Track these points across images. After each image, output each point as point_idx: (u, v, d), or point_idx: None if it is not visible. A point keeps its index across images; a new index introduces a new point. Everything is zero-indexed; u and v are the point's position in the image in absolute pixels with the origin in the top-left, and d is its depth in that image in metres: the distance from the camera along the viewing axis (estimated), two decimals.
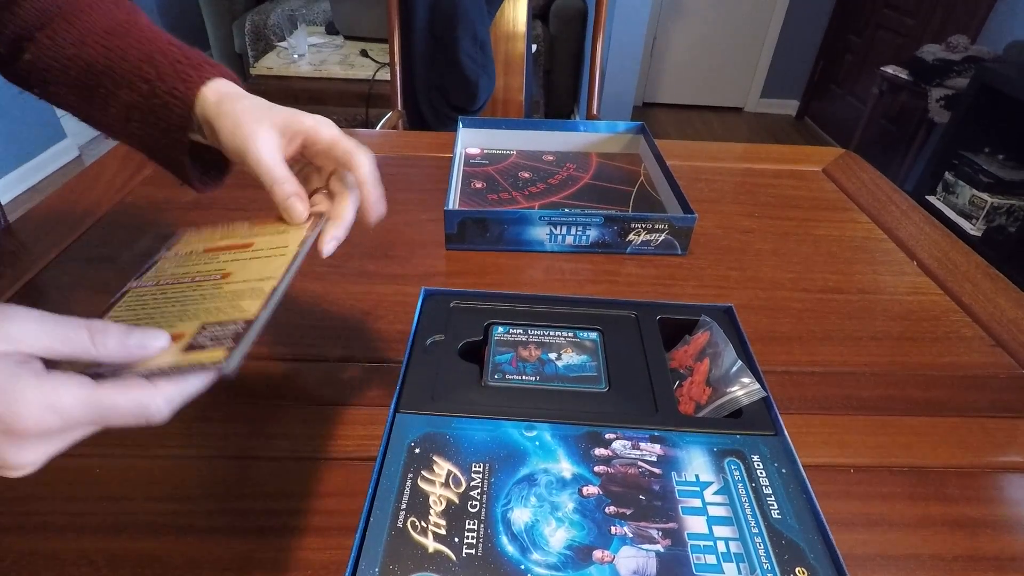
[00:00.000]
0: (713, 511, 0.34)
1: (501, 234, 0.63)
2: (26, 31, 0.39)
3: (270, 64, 2.16)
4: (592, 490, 0.35)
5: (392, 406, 0.40)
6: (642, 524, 0.33)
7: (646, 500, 0.34)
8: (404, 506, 0.33)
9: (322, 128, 0.38)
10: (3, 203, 0.67)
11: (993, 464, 0.43)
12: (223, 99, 0.37)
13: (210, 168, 0.44)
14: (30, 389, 0.22)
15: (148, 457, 0.40)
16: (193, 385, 0.27)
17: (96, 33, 0.39)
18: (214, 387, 0.46)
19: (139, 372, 0.26)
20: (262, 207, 0.36)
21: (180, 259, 0.36)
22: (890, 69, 2.28)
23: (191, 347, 0.27)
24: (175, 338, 0.28)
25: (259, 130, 0.36)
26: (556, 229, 0.63)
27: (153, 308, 0.31)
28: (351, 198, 0.38)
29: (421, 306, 0.48)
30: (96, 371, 0.26)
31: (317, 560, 0.35)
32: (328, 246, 0.36)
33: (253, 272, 0.33)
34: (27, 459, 0.24)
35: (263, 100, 0.39)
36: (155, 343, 0.27)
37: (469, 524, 0.33)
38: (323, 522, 0.37)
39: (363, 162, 0.37)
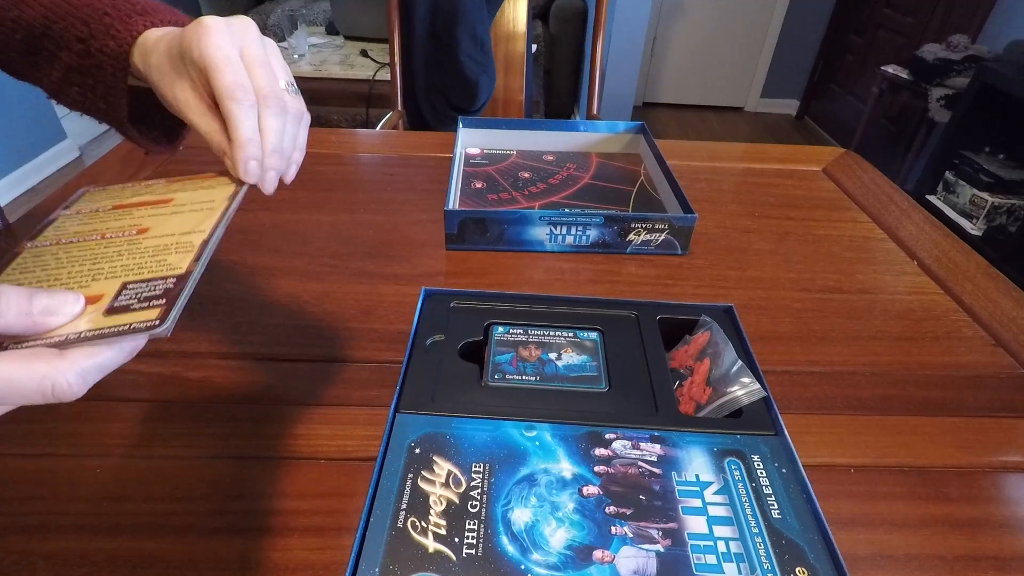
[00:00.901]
0: (713, 511, 0.34)
1: (501, 234, 0.63)
2: None
3: None
4: (592, 490, 0.35)
5: (392, 406, 0.40)
6: (642, 524, 0.33)
7: (646, 500, 0.34)
8: (404, 506, 0.33)
9: (211, 72, 0.31)
10: (3, 204, 0.67)
11: (993, 464, 0.43)
12: (147, 64, 0.33)
13: (171, 127, 0.40)
14: None
15: (148, 457, 0.40)
16: (113, 356, 0.22)
17: None
18: (213, 388, 0.46)
19: (50, 342, 0.22)
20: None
21: (84, 216, 0.32)
22: (890, 69, 2.28)
23: (113, 309, 0.23)
24: (91, 300, 0.24)
25: (177, 90, 0.32)
26: (556, 229, 0.63)
27: (56, 268, 0.27)
28: (272, 118, 0.32)
29: (421, 306, 0.48)
30: None
31: (317, 560, 0.34)
32: (251, 175, 0.30)
33: (175, 227, 0.29)
34: None
35: (167, 39, 0.33)
36: (67, 308, 0.22)
37: (469, 524, 0.33)
38: (323, 522, 0.37)
39: (240, 118, 0.30)
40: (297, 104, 0.34)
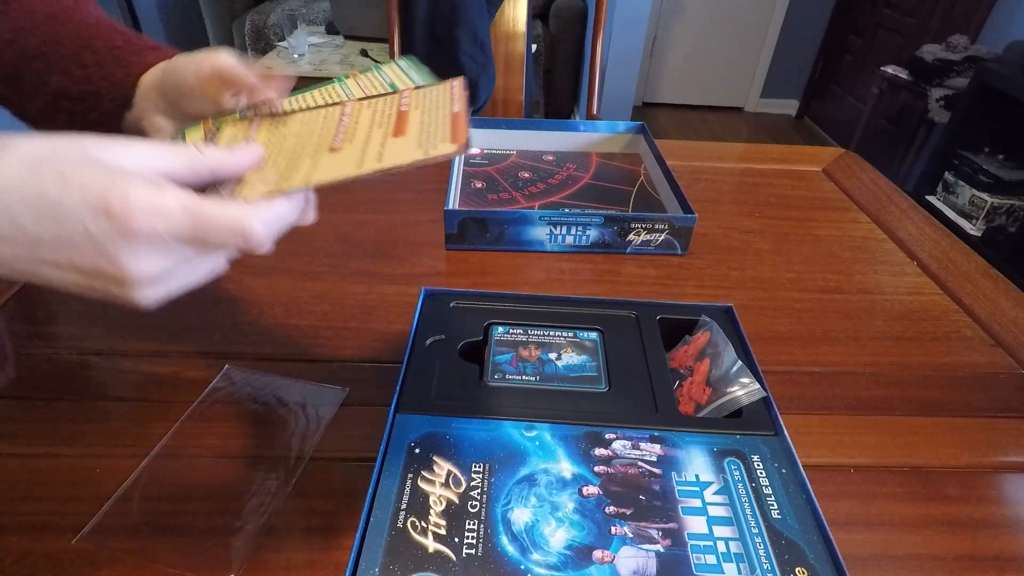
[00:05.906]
0: (713, 511, 0.34)
1: (501, 234, 0.63)
2: None
3: (270, 64, 2.16)
4: (592, 490, 0.35)
5: (392, 406, 0.40)
6: (642, 524, 0.33)
7: (646, 500, 0.34)
8: (404, 506, 0.33)
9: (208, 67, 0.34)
10: None
11: (993, 464, 0.43)
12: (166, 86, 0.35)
13: None
14: (139, 187, 0.23)
15: (148, 457, 0.40)
16: (287, 209, 0.27)
17: (36, 19, 0.37)
18: (213, 388, 0.46)
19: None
20: None
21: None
22: (890, 69, 2.28)
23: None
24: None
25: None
26: (556, 229, 0.63)
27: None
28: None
29: (421, 306, 0.48)
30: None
31: (317, 560, 0.34)
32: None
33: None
34: (142, 267, 0.23)
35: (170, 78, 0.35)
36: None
37: (469, 524, 0.33)
38: (323, 522, 0.37)
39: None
40: None
